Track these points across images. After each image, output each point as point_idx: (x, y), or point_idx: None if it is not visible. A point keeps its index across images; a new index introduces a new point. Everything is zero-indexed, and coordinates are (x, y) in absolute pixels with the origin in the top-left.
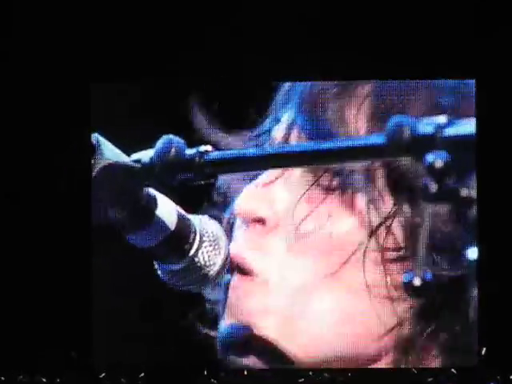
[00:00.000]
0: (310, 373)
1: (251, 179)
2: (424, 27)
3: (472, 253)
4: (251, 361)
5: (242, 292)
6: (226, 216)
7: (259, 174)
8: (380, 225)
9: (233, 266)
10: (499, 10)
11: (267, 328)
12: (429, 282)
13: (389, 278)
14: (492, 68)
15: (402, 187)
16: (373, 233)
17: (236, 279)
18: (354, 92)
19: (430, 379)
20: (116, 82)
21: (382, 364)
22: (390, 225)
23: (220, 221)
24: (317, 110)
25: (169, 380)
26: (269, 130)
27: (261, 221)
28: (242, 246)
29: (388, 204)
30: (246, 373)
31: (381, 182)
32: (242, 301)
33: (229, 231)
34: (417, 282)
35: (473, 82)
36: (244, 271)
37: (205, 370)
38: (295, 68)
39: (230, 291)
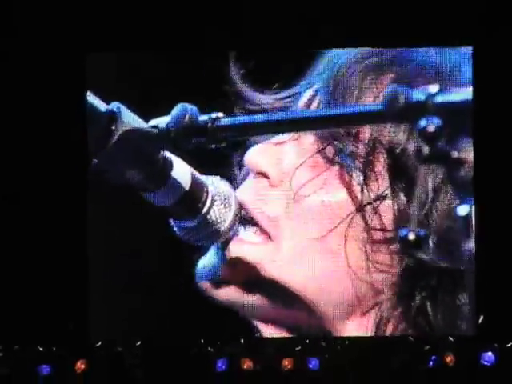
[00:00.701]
0: (307, 341)
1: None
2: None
3: (463, 210)
4: (256, 298)
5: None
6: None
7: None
8: (368, 203)
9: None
10: None
11: (270, 270)
12: (422, 238)
13: (370, 256)
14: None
15: (400, 174)
16: (360, 209)
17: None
18: (375, 77)
19: (427, 347)
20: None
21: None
22: (378, 206)
23: (234, 177)
24: (340, 91)
25: (165, 348)
26: (299, 93)
27: (265, 175)
28: (246, 194)
29: (382, 188)
30: (242, 341)
31: (380, 165)
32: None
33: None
34: (411, 236)
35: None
36: (246, 220)
37: (201, 339)
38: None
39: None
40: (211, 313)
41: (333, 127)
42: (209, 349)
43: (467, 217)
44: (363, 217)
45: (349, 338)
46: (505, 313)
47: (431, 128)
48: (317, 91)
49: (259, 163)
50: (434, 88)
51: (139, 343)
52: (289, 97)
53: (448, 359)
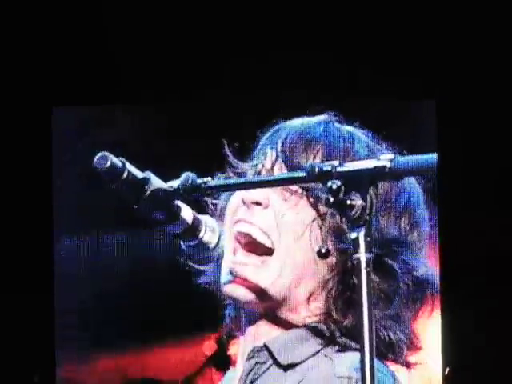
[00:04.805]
0: None
1: None
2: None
3: (353, 235)
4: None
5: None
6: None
7: None
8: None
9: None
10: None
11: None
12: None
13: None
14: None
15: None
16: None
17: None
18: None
19: None
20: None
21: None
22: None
23: (215, 216)
24: (291, 152)
25: None
26: (257, 163)
27: (258, 203)
28: (249, 222)
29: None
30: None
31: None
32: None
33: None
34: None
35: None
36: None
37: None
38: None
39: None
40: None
41: (275, 186)
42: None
43: (357, 239)
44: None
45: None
46: (471, 363)
47: (334, 186)
48: (277, 157)
49: (253, 194)
50: (335, 162)
51: None
52: (255, 165)
53: None
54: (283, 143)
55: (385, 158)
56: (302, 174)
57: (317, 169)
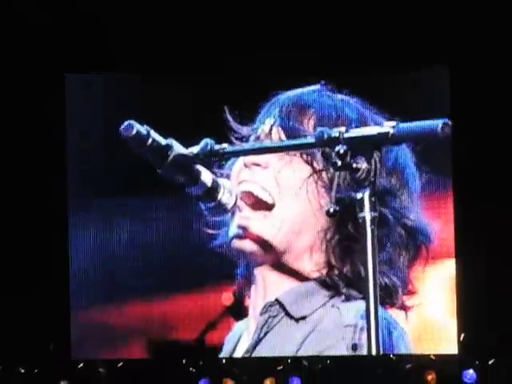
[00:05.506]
0: (289, 360)
1: None
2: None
3: (358, 195)
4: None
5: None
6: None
7: None
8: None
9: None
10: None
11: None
12: None
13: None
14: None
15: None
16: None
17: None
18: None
19: (408, 365)
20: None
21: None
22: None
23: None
24: (287, 116)
25: (148, 368)
26: (257, 128)
27: (258, 164)
28: (251, 181)
29: None
30: (224, 361)
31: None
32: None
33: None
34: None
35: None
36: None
37: (183, 360)
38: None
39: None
40: None
41: (286, 151)
42: (191, 369)
43: (362, 199)
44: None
45: (330, 358)
46: (486, 331)
47: (341, 150)
48: (274, 122)
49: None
50: (342, 128)
51: (121, 364)
52: (254, 129)
53: (429, 377)
54: (280, 109)
55: (388, 125)
56: (311, 139)
57: (325, 135)
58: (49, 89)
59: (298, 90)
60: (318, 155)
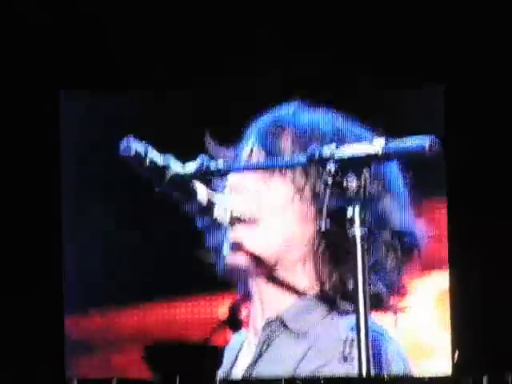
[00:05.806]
0: (283, 382)
1: None
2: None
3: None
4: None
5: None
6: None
7: None
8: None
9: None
10: None
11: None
12: None
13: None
14: None
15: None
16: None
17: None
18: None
19: None
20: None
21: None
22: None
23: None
24: (265, 137)
25: None
26: (240, 150)
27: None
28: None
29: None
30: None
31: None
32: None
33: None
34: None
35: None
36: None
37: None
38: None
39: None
40: None
41: (280, 168)
42: None
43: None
44: None
45: (324, 379)
46: (480, 348)
47: (332, 168)
48: (253, 144)
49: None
50: (332, 147)
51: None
52: (237, 153)
53: None
54: (258, 131)
55: (377, 142)
56: (302, 158)
57: (317, 153)
58: (42, 104)
59: (276, 110)
60: (298, 172)
